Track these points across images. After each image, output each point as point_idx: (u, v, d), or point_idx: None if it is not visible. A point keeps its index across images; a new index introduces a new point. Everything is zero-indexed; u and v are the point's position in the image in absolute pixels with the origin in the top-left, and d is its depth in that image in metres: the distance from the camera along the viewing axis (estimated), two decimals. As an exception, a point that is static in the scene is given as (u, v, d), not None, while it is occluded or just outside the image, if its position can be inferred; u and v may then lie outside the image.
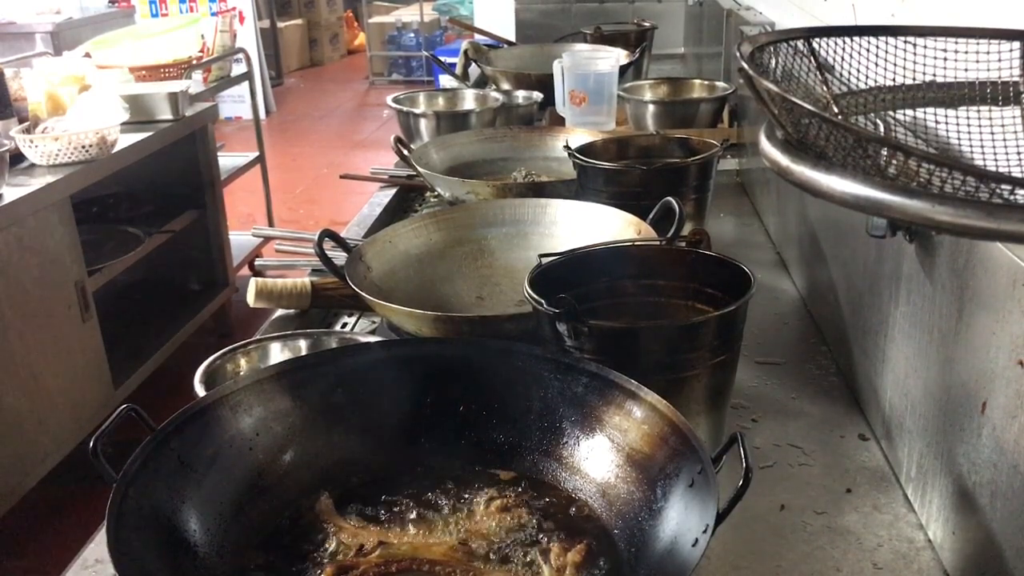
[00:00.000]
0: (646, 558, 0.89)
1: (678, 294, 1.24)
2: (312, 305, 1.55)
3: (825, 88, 0.88)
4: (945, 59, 0.86)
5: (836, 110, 0.87)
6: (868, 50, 0.87)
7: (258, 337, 1.38)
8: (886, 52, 0.87)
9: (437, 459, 1.08)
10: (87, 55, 3.80)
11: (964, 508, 0.95)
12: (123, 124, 3.08)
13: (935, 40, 0.86)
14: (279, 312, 1.57)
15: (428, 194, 2.25)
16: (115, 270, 3.28)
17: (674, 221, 1.34)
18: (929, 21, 1.20)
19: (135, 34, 4.23)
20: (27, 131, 2.93)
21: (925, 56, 0.86)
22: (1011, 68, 0.86)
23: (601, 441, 1.02)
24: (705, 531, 0.80)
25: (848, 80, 0.88)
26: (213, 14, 5.14)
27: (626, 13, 3.76)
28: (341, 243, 1.48)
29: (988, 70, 0.86)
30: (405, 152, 2.07)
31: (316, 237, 1.42)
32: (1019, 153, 0.82)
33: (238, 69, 4.71)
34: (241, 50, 4.67)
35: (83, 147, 2.91)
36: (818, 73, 0.87)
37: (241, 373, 1.30)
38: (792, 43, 0.86)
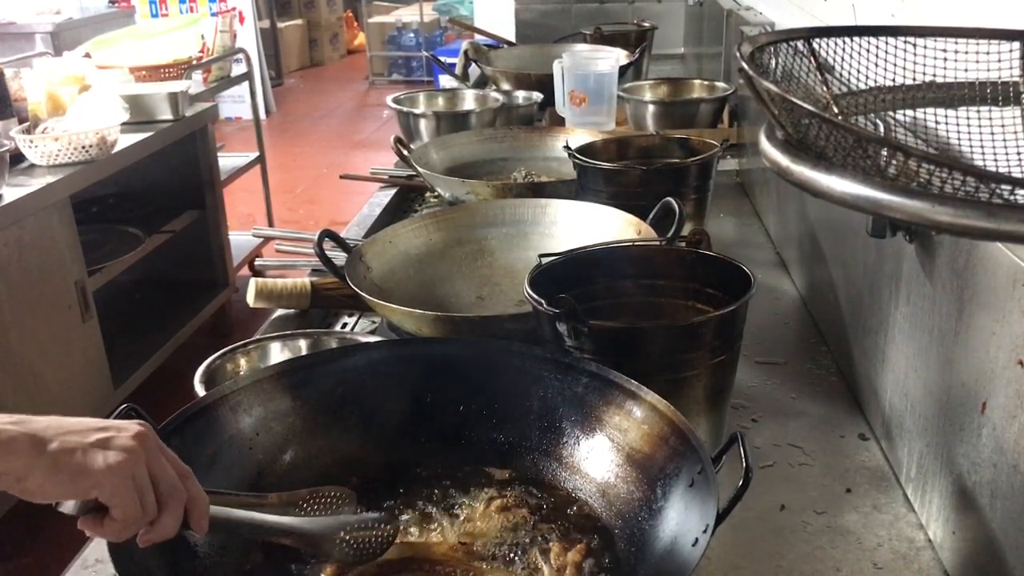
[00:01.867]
0: (646, 558, 0.89)
1: (678, 294, 1.25)
2: (312, 305, 1.55)
3: (825, 88, 0.88)
4: (945, 59, 0.86)
5: (836, 110, 0.87)
6: (868, 50, 0.87)
7: (258, 337, 1.38)
8: (886, 52, 0.87)
9: (437, 459, 1.08)
10: (87, 55, 3.80)
11: (964, 508, 0.95)
12: (123, 124, 3.08)
13: (935, 40, 0.86)
14: (279, 312, 1.57)
15: (428, 194, 2.25)
16: (115, 270, 3.28)
17: (674, 221, 1.34)
18: (929, 21, 1.20)
19: (135, 34, 4.23)
20: (27, 131, 2.93)
21: (925, 56, 0.86)
22: (1011, 68, 0.86)
23: (601, 441, 1.02)
24: (705, 531, 0.80)
25: (848, 80, 0.88)
26: (213, 14, 5.13)
27: (626, 13, 3.75)
28: (341, 243, 1.48)
29: (988, 70, 0.86)
30: (405, 152, 2.07)
31: (316, 237, 1.42)
32: (1019, 153, 0.82)
33: (238, 69, 4.70)
34: (241, 50, 4.67)
35: (83, 147, 2.91)
36: (818, 73, 0.87)
37: (241, 373, 1.30)
38: (792, 43, 0.86)
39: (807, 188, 0.71)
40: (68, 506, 0.75)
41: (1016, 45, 0.86)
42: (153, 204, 3.75)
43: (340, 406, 1.09)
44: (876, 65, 0.87)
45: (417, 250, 1.57)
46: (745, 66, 0.75)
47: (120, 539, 0.76)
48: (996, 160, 0.83)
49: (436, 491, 1.04)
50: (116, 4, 6.94)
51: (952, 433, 0.97)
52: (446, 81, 3.52)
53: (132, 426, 0.78)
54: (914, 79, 0.87)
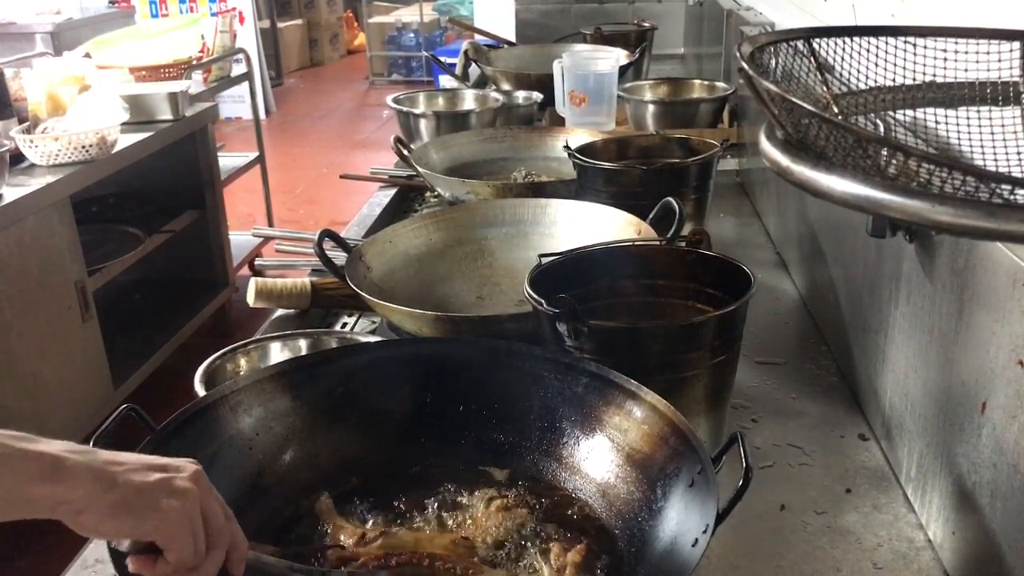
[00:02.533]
0: (646, 558, 0.89)
1: (678, 294, 1.24)
2: (312, 305, 1.55)
3: (825, 88, 0.88)
4: (945, 59, 0.86)
5: (836, 110, 0.87)
6: (868, 50, 0.87)
7: (258, 337, 1.38)
8: (886, 52, 0.87)
9: (437, 459, 1.08)
10: (87, 55, 3.80)
11: (964, 508, 0.95)
12: (123, 124, 3.08)
13: (935, 40, 0.86)
14: (279, 312, 1.57)
15: (428, 194, 2.25)
16: (115, 270, 3.28)
17: (674, 221, 1.34)
18: (929, 21, 1.20)
19: (135, 34, 4.23)
20: (27, 131, 2.93)
21: (925, 56, 0.86)
22: (1011, 68, 0.86)
23: (601, 441, 1.02)
24: (705, 531, 0.80)
25: (848, 80, 0.88)
26: (213, 14, 5.13)
27: (626, 13, 3.76)
28: (341, 243, 1.48)
29: (988, 70, 0.86)
30: (405, 152, 2.07)
31: (316, 237, 1.42)
32: (1019, 153, 0.82)
33: (238, 69, 4.70)
34: (241, 50, 4.67)
35: (83, 147, 2.91)
36: (818, 73, 0.87)
37: (241, 373, 1.30)
38: (792, 43, 0.86)
39: (807, 188, 0.71)
40: (122, 544, 0.74)
41: (1016, 45, 0.86)
42: (153, 204, 3.75)
43: (340, 406, 1.09)
44: (876, 65, 0.87)
45: (417, 250, 1.57)
46: (745, 66, 0.75)
47: None
48: (996, 160, 0.83)
49: (436, 491, 1.04)
50: (116, 4, 6.95)
51: (952, 433, 0.97)
52: (446, 81, 3.52)
53: (188, 465, 0.78)
54: (914, 79, 0.87)
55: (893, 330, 1.15)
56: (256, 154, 4.69)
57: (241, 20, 6.51)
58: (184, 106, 3.52)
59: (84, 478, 0.71)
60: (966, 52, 0.86)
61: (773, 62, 0.85)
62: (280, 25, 9.71)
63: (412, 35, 9.62)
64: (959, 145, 0.85)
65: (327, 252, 1.41)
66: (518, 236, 1.61)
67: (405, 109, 2.43)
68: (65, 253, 2.87)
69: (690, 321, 1.16)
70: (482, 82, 3.06)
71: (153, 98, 3.45)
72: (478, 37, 3.53)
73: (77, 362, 2.95)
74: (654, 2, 3.88)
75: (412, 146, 2.12)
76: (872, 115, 0.90)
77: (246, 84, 4.84)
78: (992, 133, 0.84)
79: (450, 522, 0.99)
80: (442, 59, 3.22)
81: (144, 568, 0.75)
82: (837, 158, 0.71)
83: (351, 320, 1.62)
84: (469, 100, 2.58)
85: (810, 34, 0.87)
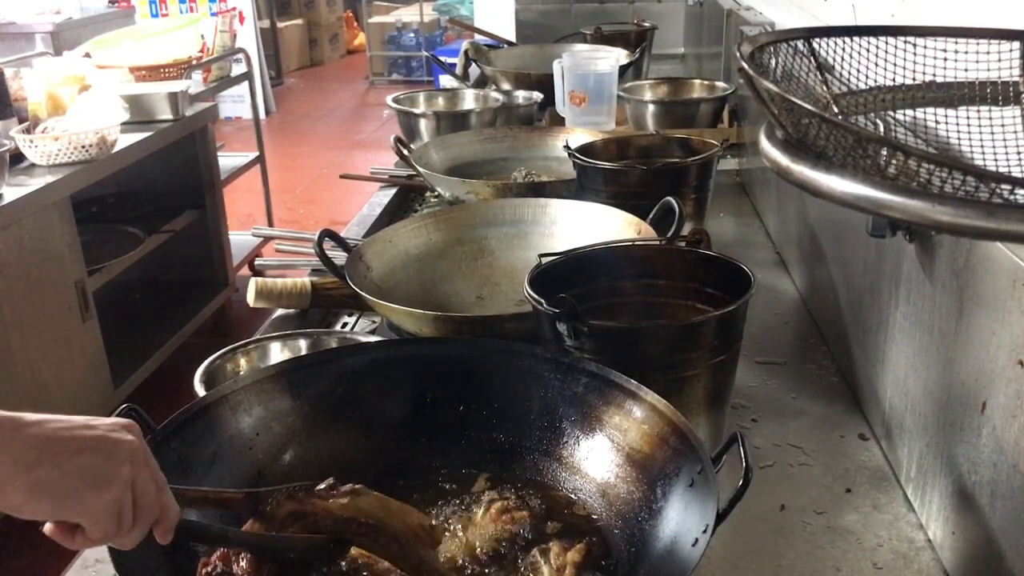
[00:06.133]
0: (646, 558, 0.89)
1: (678, 294, 1.24)
2: (312, 305, 1.55)
3: (825, 88, 0.88)
4: (945, 59, 0.86)
5: (836, 110, 0.87)
6: (868, 50, 0.87)
7: (258, 337, 1.38)
8: (886, 52, 0.87)
9: (437, 459, 1.09)
10: (87, 55, 3.80)
11: (964, 508, 0.95)
12: (123, 124, 3.08)
13: (935, 40, 0.86)
14: (279, 312, 1.57)
15: (428, 194, 2.25)
16: (115, 270, 3.28)
17: (674, 221, 1.34)
18: (929, 21, 1.20)
19: (135, 34, 4.23)
20: (27, 131, 2.93)
21: (925, 56, 0.86)
22: (1011, 68, 0.86)
23: (601, 441, 1.02)
24: (705, 531, 0.80)
25: (848, 80, 0.89)
26: (213, 14, 5.13)
27: (626, 13, 3.76)
28: (341, 243, 1.48)
29: (988, 70, 0.86)
30: (405, 152, 2.07)
31: (316, 237, 1.42)
32: (1019, 153, 0.82)
33: (238, 69, 4.70)
34: (241, 50, 4.67)
35: (83, 147, 2.91)
36: (818, 73, 0.87)
37: (241, 373, 1.30)
38: (792, 43, 0.86)
39: (807, 188, 0.71)
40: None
41: (1016, 45, 0.86)
42: (153, 204, 3.75)
43: (340, 406, 1.09)
44: (876, 65, 0.87)
45: (417, 250, 1.57)
46: (745, 66, 0.75)
47: (83, 548, 0.76)
48: (996, 160, 0.83)
49: (436, 491, 1.04)
50: (116, 4, 6.94)
51: (952, 433, 0.97)
52: (446, 81, 3.52)
53: (124, 437, 0.74)
54: (914, 79, 0.87)
55: (893, 330, 1.15)
56: (256, 154, 4.69)
57: (241, 20, 6.51)
58: (184, 106, 3.52)
59: (6, 454, 0.68)
60: (966, 52, 0.86)
61: (773, 62, 0.85)
62: (280, 25, 9.71)
63: (412, 35, 9.61)
64: (959, 145, 0.85)
65: (327, 252, 1.41)
66: (518, 236, 1.61)
67: (405, 109, 2.43)
68: (65, 253, 2.87)
69: (690, 321, 1.16)
70: (482, 82, 3.06)
71: (153, 98, 3.45)
72: (478, 37, 3.53)
73: (77, 362, 2.95)
74: (654, 2, 3.88)
75: (412, 146, 2.12)
76: (872, 115, 0.90)
77: (246, 84, 4.84)
78: (992, 133, 0.84)
79: (450, 522, 0.99)
80: (442, 59, 3.22)
81: (63, 539, 0.73)
82: (837, 158, 0.71)
83: (351, 320, 1.62)
84: (469, 100, 2.58)
85: (810, 34, 0.87)
